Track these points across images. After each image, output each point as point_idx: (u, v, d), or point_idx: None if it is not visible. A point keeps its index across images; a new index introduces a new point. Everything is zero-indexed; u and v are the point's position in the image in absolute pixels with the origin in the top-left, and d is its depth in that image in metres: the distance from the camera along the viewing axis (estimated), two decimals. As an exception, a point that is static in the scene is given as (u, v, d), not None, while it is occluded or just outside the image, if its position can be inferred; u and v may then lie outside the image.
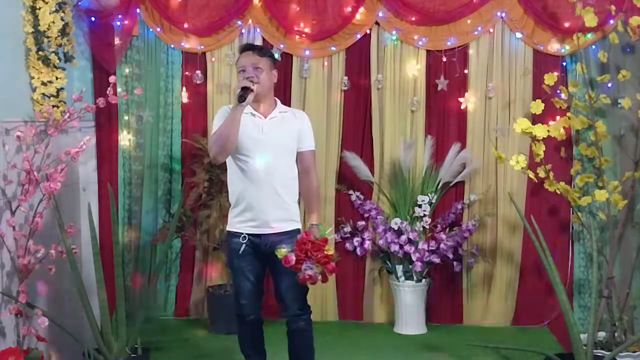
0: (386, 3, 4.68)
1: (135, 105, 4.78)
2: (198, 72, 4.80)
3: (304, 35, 4.72)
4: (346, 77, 4.82)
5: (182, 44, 4.74)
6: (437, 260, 4.66)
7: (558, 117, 4.51)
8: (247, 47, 3.37)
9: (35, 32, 3.83)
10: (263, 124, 3.27)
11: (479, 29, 4.69)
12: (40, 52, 3.87)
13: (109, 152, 4.80)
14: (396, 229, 4.66)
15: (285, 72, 4.80)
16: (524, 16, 4.65)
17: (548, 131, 4.00)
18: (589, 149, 4.35)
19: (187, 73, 4.82)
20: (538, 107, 4.26)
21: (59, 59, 3.98)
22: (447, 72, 4.78)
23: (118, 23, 4.62)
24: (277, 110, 3.34)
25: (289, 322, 3.31)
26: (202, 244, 4.77)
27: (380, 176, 4.87)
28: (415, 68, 4.78)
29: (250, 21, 4.76)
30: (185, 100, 4.85)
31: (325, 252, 2.97)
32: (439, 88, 4.78)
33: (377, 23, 4.76)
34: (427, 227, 4.71)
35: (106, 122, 4.78)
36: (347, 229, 4.83)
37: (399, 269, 4.69)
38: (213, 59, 4.82)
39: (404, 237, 4.62)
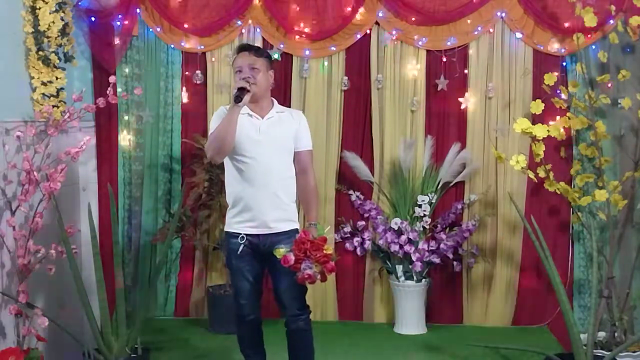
0: (386, 3, 4.68)
1: (135, 105, 4.78)
2: (198, 72, 4.80)
3: (304, 35, 4.72)
4: (346, 77, 4.82)
5: (182, 44, 4.75)
6: (437, 260, 4.66)
7: (558, 117, 4.51)
8: (244, 48, 3.37)
9: (35, 32, 3.83)
10: (260, 124, 3.27)
11: (479, 29, 4.69)
12: (40, 52, 3.87)
13: (109, 152, 4.80)
14: (396, 229, 4.66)
15: (285, 72, 4.80)
16: (524, 16, 4.65)
17: (548, 131, 4.00)
18: (589, 149, 4.35)
19: (187, 73, 4.82)
20: (538, 107, 4.26)
21: (59, 59, 3.98)
22: (447, 72, 4.78)
23: (118, 23, 4.62)
24: (274, 110, 3.34)
25: (288, 322, 3.31)
26: (202, 244, 4.78)
27: (380, 176, 4.87)
28: (415, 68, 4.78)
29: (250, 21, 4.75)
30: (185, 100, 4.85)
31: (324, 252, 2.97)
32: (439, 88, 4.78)
33: (377, 23, 4.75)
34: (427, 227, 4.70)
35: (106, 122, 4.78)
36: (347, 229, 4.83)
37: (399, 269, 4.69)
38: (213, 59, 4.82)
39: (404, 237, 4.62)
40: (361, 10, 4.68)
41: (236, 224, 3.28)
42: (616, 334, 3.98)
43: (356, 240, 4.80)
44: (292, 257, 2.98)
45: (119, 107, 4.73)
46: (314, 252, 2.95)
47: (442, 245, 4.65)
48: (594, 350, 3.67)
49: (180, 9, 4.70)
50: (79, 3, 4.46)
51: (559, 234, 4.80)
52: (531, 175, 4.26)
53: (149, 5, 4.68)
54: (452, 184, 4.80)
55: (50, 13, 3.86)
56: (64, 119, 3.83)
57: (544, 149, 4.10)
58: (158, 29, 4.72)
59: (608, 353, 3.73)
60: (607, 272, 4.16)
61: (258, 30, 4.78)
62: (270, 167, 3.23)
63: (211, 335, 4.62)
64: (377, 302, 4.94)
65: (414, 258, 4.60)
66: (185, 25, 4.68)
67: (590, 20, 4.14)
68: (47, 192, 3.56)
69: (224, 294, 4.64)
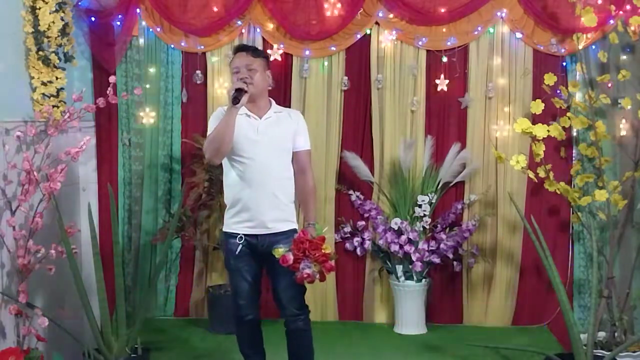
0: (386, 3, 4.67)
1: (135, 105, 4.78)
2: (198, 72, 4.80)
3: (303, 35, 4.72)
4: (346, 77, 4.82)
5: (182, 44, 4.75)
6: (437, 260, 4.66)
7: (558, 117, 4.51)
8: (241, 48, 3.37)
9: (35, 32, 3.83)
10: (258, 125, 3.27)
11: (479, 29, 4.69)
12: (40, 52, 3.87)
13: (109, 152, 4.81)
14: (396, 229, 4.66)
15: (285, 72, 4.80)
16: (524, 16, 4.64)
17: (548, 131, 4.01)
18: (589, 149, 4.35)
19: (187, 73, 4.83)
20: (538, 107, 4.26)
21: (59, 59, 3.98)
22: (447, 72, 4.78)
23: (118, 23, 4.63)
24: (272, 110, 3.34)
25: (288, 322, 3.31)
26: (202, 244, 4.78)
27: (380, 176, 4.87)
28: (415, 68, 4.78)
29: (250, 21, 4.76)
30: (185, 100, 4.85)
31: (323, 251, 2.97)
32: (439, 88, 4.78)
33: (377, 23, 4.76)
34: (427, 227, 4.70)
35: (106, 122, 4.78)
36: (347, 229, 4.83)
37: (399, 269, 4.69)
38: (213, 59, 4.83)
39: (404, 237, 4.61)
40: (361, 10, 4.68)
41: (234, 224, 3.28)
42: (616, 334, 3.98)
43: (356, 240, 4.80)
44: (291, 257, 2.98)
45: (119, 107, 4.73)
46: (312, 251, 2.96)
47: (442, 245, 4.65)
48: (594, 350, 3.67)
49: (180, 9, 4.69)
50: (79, 3, 4.47)
51: (559, 234, 4.80)
52: (531, 175, 4.26)
53: (149, 5, 4.68)
54: (452, 184, 4.80)
55: (50, 13, 3.86)
56: (64, 119, 3.83)
57: (544, 149, 4.10)
58: (158, 29, 4.72)
59: (608, 353, 3.72)
60: (607, 272, 4.16)
61: (258, 30, 4.78)
62: (269, 168, 3.23)
63: (211, 335, 4.62)
64: (377, 302, 4.94)
65: (414, 258, 4.59)
66: (186, 26, 4.69)
67: (590, 20, 4.14)
68: (47, 192, 3.56)
69: (224, 294, 4.64)
